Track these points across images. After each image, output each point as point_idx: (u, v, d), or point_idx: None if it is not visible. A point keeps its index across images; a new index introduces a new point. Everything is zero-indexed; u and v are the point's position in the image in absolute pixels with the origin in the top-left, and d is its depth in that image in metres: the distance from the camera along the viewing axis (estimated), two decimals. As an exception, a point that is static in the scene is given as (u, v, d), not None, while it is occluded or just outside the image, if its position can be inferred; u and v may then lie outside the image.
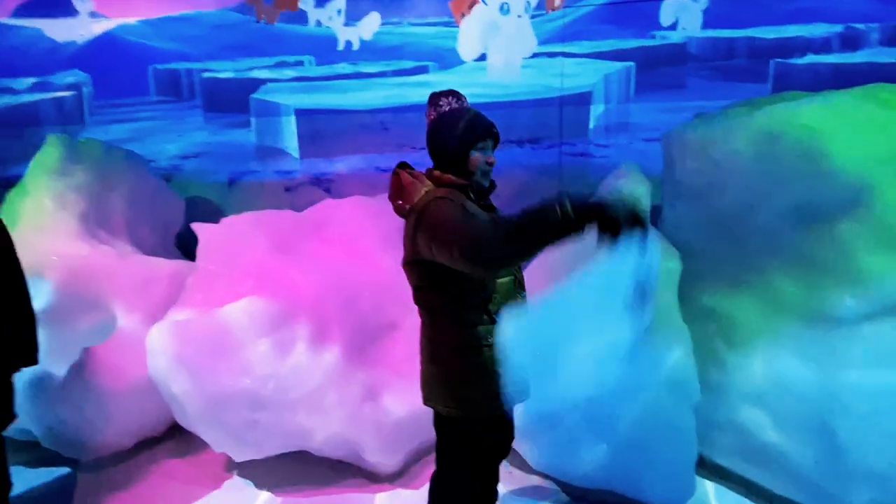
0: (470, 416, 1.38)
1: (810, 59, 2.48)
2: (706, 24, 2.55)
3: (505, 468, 2.18)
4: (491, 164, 1.40)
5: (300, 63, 3.20)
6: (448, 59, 2.89)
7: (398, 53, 2.97)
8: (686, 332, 1.84)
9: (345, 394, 2.19)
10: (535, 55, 2.78)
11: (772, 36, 2.52)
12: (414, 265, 1.36)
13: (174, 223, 3.18)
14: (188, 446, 2.33)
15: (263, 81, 3.28)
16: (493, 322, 1.31)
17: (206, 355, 2.02)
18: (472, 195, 1.36)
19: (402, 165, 1.46)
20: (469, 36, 2.80)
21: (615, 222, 1.03)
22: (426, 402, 1.49)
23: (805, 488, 1.84)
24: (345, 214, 2.59)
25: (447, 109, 1.42)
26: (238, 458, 2.10)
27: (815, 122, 1.73)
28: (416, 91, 2.96)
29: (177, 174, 3.55)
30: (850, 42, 2.46)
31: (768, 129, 1.81)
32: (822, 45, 2.46)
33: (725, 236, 1.97)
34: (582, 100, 2.77)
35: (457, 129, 1.36)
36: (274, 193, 3.44)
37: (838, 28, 2.46)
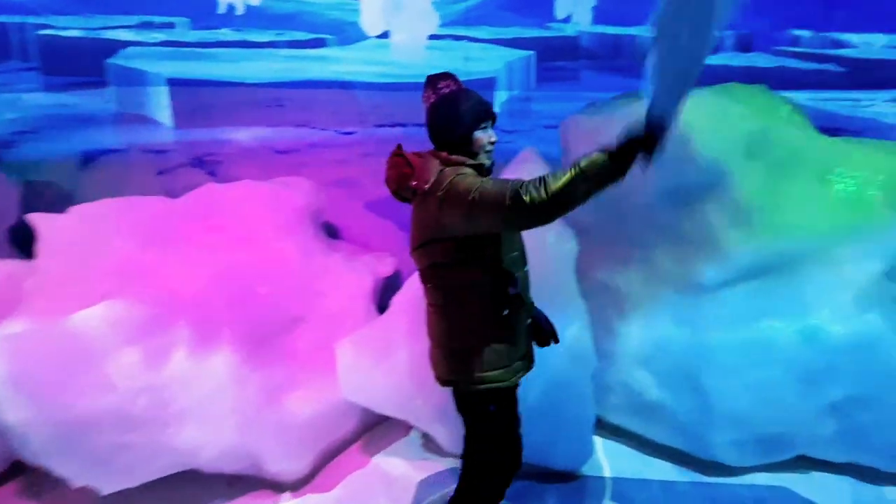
0: (497, 390, 1.43)
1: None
2: (596, 20, 2.69)
3: (421, 455, 2.14)
4: (493, 143, 1.45)
5: (170, 25, 2.74)
6: (349, 32, 2.70)
7: (292, 23, 2.70)
8: (583, 306, 1.97)
9: (239, 399, 1.98)
10: (438, 37, 2.71)
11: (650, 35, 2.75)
12: (435, 245, 1.37)
13: (6, 214, 2.58)
14: (38, 486, 1.92)
15: (123, 44, 2.76)
16: (515, 296, 1.39)
17: (53, 374, 1.67)
18: (483, 173, 1.40)
19: (400, 147, 1.48)
20: (371, 10, 2.63)
21: (650, 144, 1.16)
22: (445, 383, 1.52)
23: (683, 435, 2.09)
24: (234, 200, 2.29)
25: (447, 91, 1.43)
26: (105, 490, 1.78)
27: (684, 115, 1.90)
28: (314, 65, 2.73)
29: (8, 153, 2.87)
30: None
31: None
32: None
33: (614, 216, 2.12)
34: (487, 85, 2.77)
35: (460, 110, 1.40)
36: (143, 176, 2.94)
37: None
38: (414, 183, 1.37)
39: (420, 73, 2.72)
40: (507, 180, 1.28)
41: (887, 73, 2.84)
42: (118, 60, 2.80)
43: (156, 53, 2.77)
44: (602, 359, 2.14)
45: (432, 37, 2.74)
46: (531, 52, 2.77)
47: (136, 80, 2.82)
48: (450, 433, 1.99)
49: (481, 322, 1.40)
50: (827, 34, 2.80)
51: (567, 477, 2.06)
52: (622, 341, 2.16)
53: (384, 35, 2.71)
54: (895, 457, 1.98)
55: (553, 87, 2.79)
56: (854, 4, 2.78)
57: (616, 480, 2.08)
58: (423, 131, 2.90)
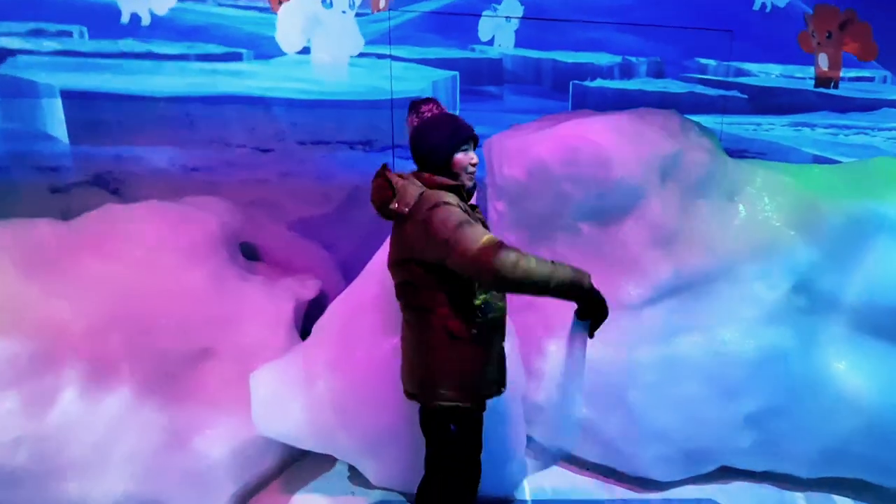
0: (457, 409, 1.49)
1: (599, 83, 2.98)
2: (518, 44, 2.85)
3: (347, 489, 2.13)
4: (474, 165, 1.54)
5: (67, 34, 2.61)
6: (265, 47, 2.68)
7: (203, 35, 2.64)
8: (511, 327, 1.99)
9: (139, 444, 1.87)
10: (362, 55, 2.75)
11: (570, 60, 2.96)
12: (409, 263, 1.46)
13: None
14: None
15: (11, 52, 2.59)
16: (483, 316, 1.47)
17: None
18: (463, 195, 1.50)
19: (385, 168, 1.55)
20: (289, 26, 2.64)
21: (600, 317, 1.42)
22: (409, 395, 1.59)
23: (612, 453, 2.18)
24: (136, 222, 2.19)
25: (428, 115, 1.54)
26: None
27: (602, 139, 2.05)
28: (228, 80, 2.68)
29: None
30: (627, 71, 3.04)
31: (570, 142, 2.09)
32: (608, 72, 2.99)
33: (539, 235, 2.22)
34: (412, 104, 2.84)
35: (441, 133, 1.51)
36: (34, 196, 2.74)
37: (618, 59, 3.01)
38: (395, 206, 1.43)
39: (343, 90, 2.78)
40: (485, 231, 1.38)
41: (783, 100, 3.20)
42: (6, 70, 2.62)
43: (49, 63, 2.62)
44: (532, 379, 2.21)
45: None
46: (455, 73, 2.87)
47: (25, 91, 2.65)
48: (378, 465, 1.98)
49: (447, 342, 1.46)
50: (730, 63, 3.12)
51: (503, 502, 2.09)
52: (551, 360, 2.22)
53: (305, 51, 2.71)
54: (809, 463, 2.15)
55: (478, 107, 2.90)
56: (752, 37, 3.12)
57: (548, 503, 2.13)
58: (347, 149, 2.94)
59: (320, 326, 2.13)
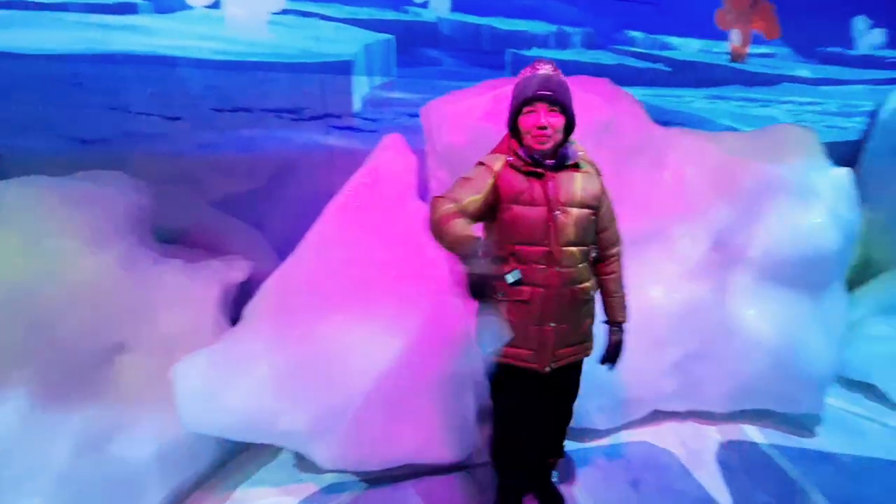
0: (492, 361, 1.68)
1: (535, 52, 3.07)
2: (454, 8, 2.84)
3: (295, 478, 2.12)
4: (541, 128, 1.50)
5: None
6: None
7: (88, -19, 2.33)
8: (461, 301, 2.05)
9: (47, 454, 1.71)
10: (285, 11, 2.59)
11: (506, 28, 3.01)
12: None
13: None
14: None
15: None
16: (512, 283, 1.52)
17: None
18: (523, 159, 1.54)
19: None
20: (195, -26, 2.41)
21: (482, 294, 1.38)
22: None
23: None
24: (20, 203, 1.91)
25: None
26: None
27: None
28: (122, 36, 2.39)
29: None
30: (562, 41, 3.16)
31: (507, 107, 2.15)
32: (543, 41, 3.08)
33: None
34: (343, 69, 2.73)
35: (511, 97, 1.56)
36: None
37: (553, 28, 3.12)
38: None
39: (263, 51, 2.60)
40: (465, 189, 1.51)
41: (702, 74, 3.53)
42: None
43: None
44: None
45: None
46: (390, 36, 2.80)
47: None
48: (327, 448, 1.96)
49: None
50: (656, 37, 3.36)
51: (457, 468, 2.18)
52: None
53: (214, 5, 2.49)
54: (724, 400, 2.50)
55: (414, 73, 2.86)
56: (674, 11, 3.38)
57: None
58: (273, 118, 2.76)
59: (253, 309, 2.05)
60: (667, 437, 2.47)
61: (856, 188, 2.54)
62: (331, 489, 2.09)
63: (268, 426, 1.90)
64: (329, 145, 2.79)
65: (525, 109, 1.53)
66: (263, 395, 1.87)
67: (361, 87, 2.82)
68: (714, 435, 2.50)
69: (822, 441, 2.47)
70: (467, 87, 2.53)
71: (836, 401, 2.79)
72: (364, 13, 2.73)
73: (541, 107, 1.51)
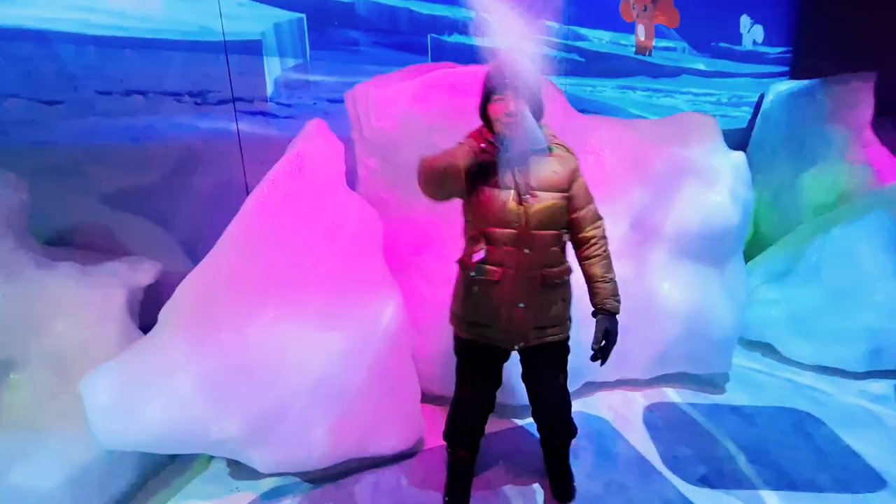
0: (455, 333, 1.84)
1: (456, 38, 3.10)
2: (371, -12, 2.78)
3: (230, 487, 2.03)
4: (510, 115, 1.55)
5: None
6: (36, -37, 2.13)
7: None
8: (396, 286, 2.09)
9: None
10: (183, -16, 2.38)
11: (426, 12, 3.01)
12: None
13: None
14: None
15: None
16: (478, 262, 1.65)
17: None
18: (493, 144, 1.58)
19: None
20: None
21: None
22: None
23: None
24: None
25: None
26: None
27: (470, 89, 2.16)
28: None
29: None
30: (482, 28, 3.21)
31: (437, 91, 2.24)
32: (463, 28, 3.12)
33: (413, 189, 2.22)
34: (252, 48, 2.57)
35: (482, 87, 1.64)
36: None
37: (473, 14, 3.16)
38: None
39: (158, 27, 2.37)
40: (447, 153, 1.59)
41: (613, 65, 3.78)
42: None
43: None
44: (419, 334, 2.29)
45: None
46: (302, 15, 2.68)
47: None
48: (266, 451, 1.86)
49: (463, 271, 1.75)
50: (570, 27, 3.55)
51: (403, 456, 2.19)
52: (436, 313, 2.34)
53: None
54: (647, 367, 2.75)
55: (330, 57, 2.77)
56: (585, 4, 3.59)
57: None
58: (172, 102, 2.55)
59: (169, 312, 1.89)
60: (598, 405, 2.68)
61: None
62: (271, 494, 2.01)
63: (197, 436, 1.76)
64: (239, 132, 2.61)
65: (494, 98, 1.58)
66: (189, 403, 1.74)
67: (273, 69, 2.67)
68: (640, 399, 2.75)
69: (730, 396, 2.79)
70: (391, 72, 2.50)
71: (740, 360, 3.17)
72: (273, -11, 2.59)
73: (509, 94, 1.55)
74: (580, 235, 1.72)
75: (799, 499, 2.02)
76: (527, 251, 1.62)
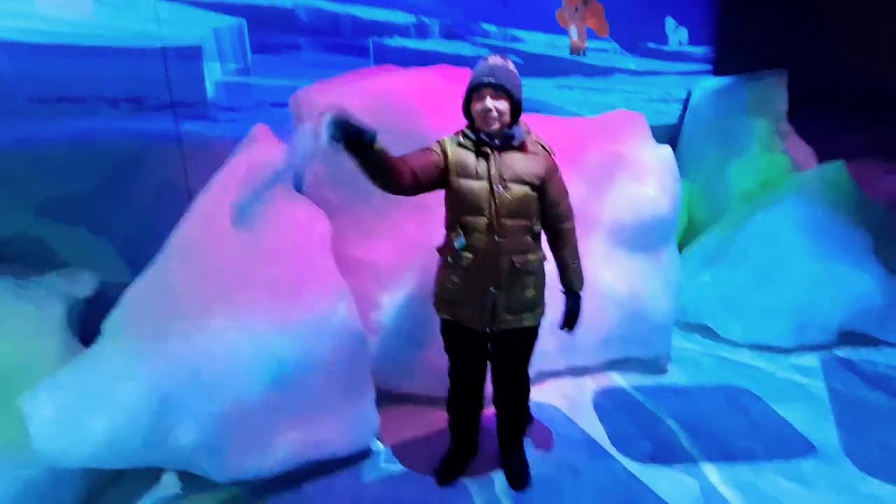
0: (440, 316, 2.01)
1: (398, 41, 3.23)
2: (312, -6, 2.87)
3: (183, 499, 2.04)
4: (487, 111, 1.73)
5: None
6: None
7: None
8: (346, 287, 2.15)
9: None
10: (114, -11, 2.39)
11: (368, 17, 3.12)
12: None
13: None
14: None
15: None
16: (460, 248, 1.82)
17: None
18: (470, 138, 1.80)
19: None
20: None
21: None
22: None
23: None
24: None
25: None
26: None
27: (410, 91, 2.31)
28: None
29: None
30: (422, 31, 3.36)
31: (378, 95, 2.34)
32: (404, 31, 3.26)
33: (357, 191, 2.33)
34: (192, 54, 2.60)
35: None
36: None
37: (413, 18, 3.30)
38: None
39: (91, 32, 2.37)
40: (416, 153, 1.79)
41: (549, 65, 4.03)
42: None
43: None
44: (370, 333, 2.38)
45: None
46: (242, 20, 2.73)
47: None
48: (220, 458, 1.88)
49: (442, 257, 1.93)
50: (507, 29, 3.75)
51: (357, 457, 2.25)
52: (385, 311, 2.46)
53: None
54: (593, 352, 2.93)
55: (272, 61, 2.83)
56: (521, 6, 3.82)
57: (404, 444, 2.38)
58: (108, 108, 2.56)
59: (114, 322, 1.90)
60: (550, 393, 2.83)
61: (676, 163, 3.13)
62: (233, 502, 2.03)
63: (147, 447, 1.77)
64: (179, 137, 2.63)
65: (475, 95, 1.76)
66: (137, 414, 1.74)
67: (213, 74, 2.70)
68: (589, 385, 2.93)
69: (671, 376, 3.02)
70: (333, 77, 2.59)
71: (679, 341, 3.42)
72: (211, -6, 2.63)
73: (487, 92, 1.73)
74: (555, 228, 1.93)
75: (736, 468, 2.21)
76: (497, 238, 1.78)
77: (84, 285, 2.14)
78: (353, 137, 1.49)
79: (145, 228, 2.40)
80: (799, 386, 2.91)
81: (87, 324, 2.05)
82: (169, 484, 2.10)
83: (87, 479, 1.91)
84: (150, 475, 2.10)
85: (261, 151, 2.16)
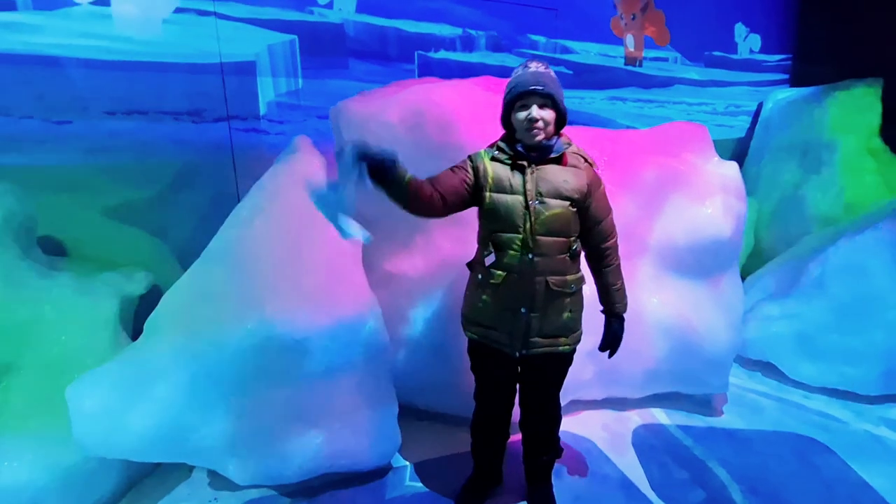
0: (468, 335, 1.94)
1: (443, 54, 3.31)
2: (359, 9, 3.01)
3: (209, 497, 2.15)
4: (533, 121, 1.66)
5: None
6: (46, -5, 2.40)
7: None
8: (374, 300, 2.20)
9: None
10: (179, 10, 2.63)
11: (413, 30, 3.22)
12: None
13: None
14: None
15: None
16: (490, 266, 1.77)
17: None
18: (506, 151, 1.75)
19: None
20: (78, -30, 2.41)
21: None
22: None
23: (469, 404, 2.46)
24: None
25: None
26: None
27: (445, 103, 2.34)
28: (1, 34, 2.34)
29: None
30: (468, 44, 3.42)
31: (415, 106, 2.36)
32: (450, 44, 3.32)
33: (391, 205, 2.35)
34: (247, 69, 2.81)
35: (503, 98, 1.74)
36: None
37: (459, 31, 3.37)
38: None
39: (159, 51, 2.62)
40: (446, 173, 1.76)
41: (601, 77, 3.93)
42: None
43: None
44: (398, 348, 2.41)
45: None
46: (293, 37, 2.92)
47: None
48: (242, 463, 1.98)
49: (473, 274, 1.88)
50: (557, 41, 3.72)
51: (379, 473, 2.28)
52: (415, 327, 2.48)
53: (102, 2, 2.50)
54: (636, 384, 2.76)
55: (321, 75, 2.99)
56: (573, 16, 3.78)
57: (426, 462, 2.37)
58: (171, 120, 2.80)
59: (154, 321, 2.05)
60: (586, 424, 2.68)
61: (743, 181, 2.93)
62: (253, 506, 2.11)
63: (177, 444, 1.90)
64: (233, 148, 2.84)
65: (518, 104, 1.69)
66: (171, 412, 1.87)
67: (266, 89, 2.90)
68: (630, 420, 2.74)
69: (727, 419, 2.76)
70: (376, 89, 2.69)
71: (738, 380, 3.15)
72: (266, 13, 2.83)
73: (533, 101, 1.66)
74: (597, 246, 1.84)
75: (801, 536, 1.95)
76: (531, 256, 1.70)
77: (139, 284, 2.34)
78: (376, 164, 1.51)
79: (197, 233, 2.61)
80: (883, 442, 2.57)
81: (139, 321, 2.24)
82: (199, 479, 2.21)
83: (126, 470, 2.07)
84: (182, 470, 2.24)
85: (300, 162, 2.28)
